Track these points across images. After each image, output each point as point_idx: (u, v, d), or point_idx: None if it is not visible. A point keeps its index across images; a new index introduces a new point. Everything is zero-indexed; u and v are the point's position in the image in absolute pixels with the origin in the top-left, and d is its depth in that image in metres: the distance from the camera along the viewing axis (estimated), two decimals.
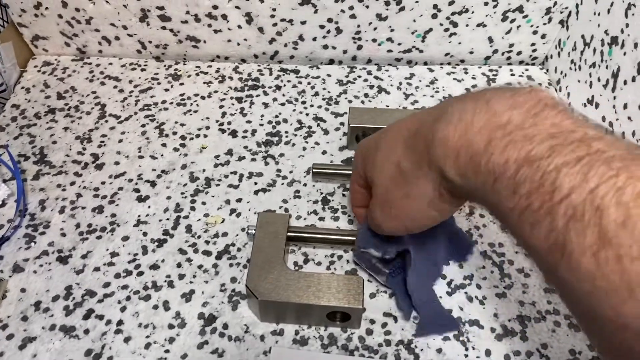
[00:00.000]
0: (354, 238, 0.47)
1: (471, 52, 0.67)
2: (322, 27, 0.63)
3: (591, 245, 0.24)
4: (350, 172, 0.52)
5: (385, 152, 0.39)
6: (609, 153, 0.25)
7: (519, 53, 0.67)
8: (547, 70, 0.67)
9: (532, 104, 0.29)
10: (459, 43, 0.65)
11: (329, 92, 0.64)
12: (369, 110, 0.56)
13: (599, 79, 0.54)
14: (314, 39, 0.64)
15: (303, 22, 0.62)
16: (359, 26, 0.63)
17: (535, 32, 0.65)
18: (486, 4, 0.61)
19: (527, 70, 0.67)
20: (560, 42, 0.64)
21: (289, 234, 0.47)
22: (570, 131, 0.27)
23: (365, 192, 0.45)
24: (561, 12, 0.62)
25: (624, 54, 0.50)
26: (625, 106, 0.49)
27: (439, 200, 0.36)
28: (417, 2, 0.60)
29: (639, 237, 0.22)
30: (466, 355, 0.43)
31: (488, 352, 0.43)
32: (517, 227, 0.28)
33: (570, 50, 0.61)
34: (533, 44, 0.66)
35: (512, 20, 0.63)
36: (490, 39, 0.65)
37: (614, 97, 0.51)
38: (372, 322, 0.45)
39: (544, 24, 0.64)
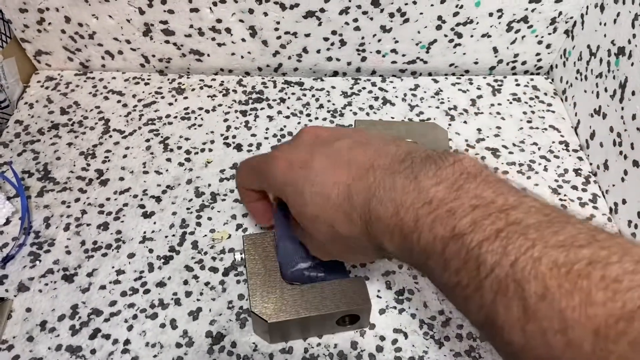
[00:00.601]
0: None
1: (476, 63, 0.66)
2: (326, 39, 0.63)
3: (518, 319, 0.24)
4: None
5: (315, 209, 0.36)
6: (526, 222, 0.26)
7: (523, 63, 0.67)
8: (553, 79, 0.67)
9: (456, 176, 0.30)
10: (464, 54, 0.65)
11: (333, 104, 0.64)
12: (375, 122, 0.56)
13: (605, 90, 0.54)
14: (318, 51, 0.64)
15: (307, 35, 0.62)
16: (363, 38, 0.63)
17: (540, 42, 0.64)
18: (491, 14, 0.61)
19: (532, 80, 0.67)
20: (565, 52, 0.63)
21: None
22: (490, 202, 0.28)
23: (262, 200, 0.46)
24: (566, 22, 0.62)
25: (632, 64, 0.50)
26: (633, 117, 0.49)
27: (379, 254, 0.37)
28: (421, 13, 0.60)
29: (557, 311, 0.23)
30: None
31: None
32: (454, 302, 0.29)
33: (576, 60, 0.61)
34: (538, 54, 0.66)
35: (517, 31, 0.63)
36: (495, 49, 0.65)
37: (622, 108, 0.51)
38: (382, 338, 0.44)
39: (549, 33, 0.63)
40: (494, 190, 0.28)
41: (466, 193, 0.29)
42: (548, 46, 0.65)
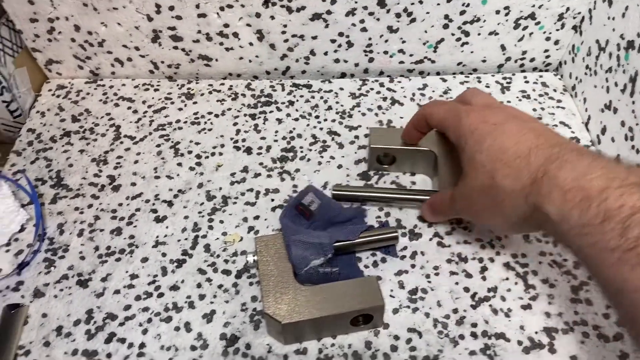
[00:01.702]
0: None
1: (484, 61, 0.66)
2: (333, 41, 0.63)
3: None
4: (371, 193, 0.53)
5: (487, 157, 0.40)
6: None
7: (532, 60, 0.66)
8: (562, 76, 0.67)
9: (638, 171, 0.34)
10: (471, 52, 0.65)
11: (342, 105, 0.64)
12: (390, 130, 0.56)
13: (616, 84, 0.54)
14: (325, 54, 0.64)
15: (314, 37, 0.62)
16: (370, 39, 0.63)
17: (548, 39, 0.64)
18: (498, 12, 0.61)
19: (541, 76, 0.67)
20: (574, 48, 0.63)
21: None
22: None
23: (427, 127, 0.50)
24: (574, 18, 0.62)
25: None
26: None
27: (519, 226, 0.41)
28: (428, 13, 0.60)
29: None
30: None
31: None
32: (613, 268, 0.31)
33: (585, 56, 0.60)
34: (546, 50, 0.65)
35: (525, 28, 0.63)
36: (503, 47, 0.65)
37: (633, 102, 0.51)
38: (397, 338, 0.44)
39: (557, 30, 0.63)
40: None
41: None
42: (556, 42, 0.65)
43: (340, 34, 0.62)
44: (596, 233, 0.32)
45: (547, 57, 0.66)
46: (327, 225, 0.50)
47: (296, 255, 0.45)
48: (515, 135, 0.40)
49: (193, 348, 0.44)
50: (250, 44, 0.63)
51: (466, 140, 0.43)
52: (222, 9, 0.59)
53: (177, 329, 0.45)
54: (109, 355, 0.44)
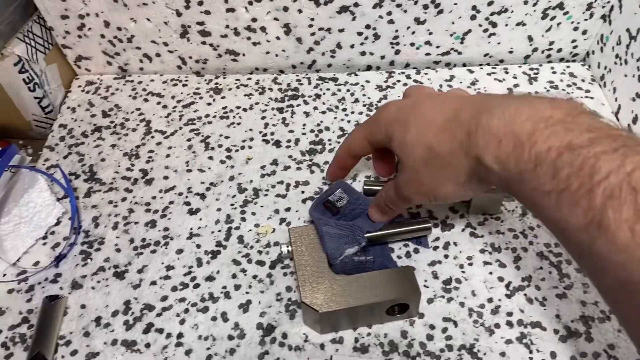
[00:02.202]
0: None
1: (510, 52, 0.66)
2: (360, 34, 0.63)
3: (627, 220, 0.27)
4: None
5: (416, 134, 0.41)
6: None
7: (559, 50, 0.66)
8: (589, 66, 0.66)
9: (571, 107, 0.33)
10: (498, 43, 0.65)
11: (369, 98, 0.64)
12: None
13: None
14: (352, 46, 0.64)
15: (341, 30, 0.63)
16: (397, 31, 0.63)
17: (576, 29, 0.64)
18: (526, 2, 0.60)
19: (568, 67, 0.66)
20: (602, 38, 0.63)
21: None
22: (606, 128, 0.31)
23: (367, 148, 0.48)
24: (603, 7, 0.61)
25: None
26: None
27: (467, 186, 0.40)
28: (455, 4, 0.60)
29: None
30: (531, 358, 0.42)
31: (553, 354, 0.42)
32: (552, 210, 0.32)
33: (615, 45, 0.60)
34: (574, 41, 0.65)
35: (552, 18, 0.62)
36: (530, 38, 0.64)
37: None
38: (432, 327, 0.44)
39: (585, 19, 0.63)
40: (607, 124, 0.32)
41: (581, 120, 0.32)
42: (584, 32, 0.64)
43: (367, 27, 0.62)
44: (532, 178, 0.32)
45: (575, 47, 0.66)
46: (354, 218, 0.50)
47: (330, 245, 0.46)
48: (437, 105, 0.41)
49: (230, 337, 0.44)
50: (277, 38, 0.63)
51: (391, 132, 0.43)
52: (250, 3, 0.59)
53: (214, 319, 0.45)
54: (147, 345, 0.44)
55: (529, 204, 0.35)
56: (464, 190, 0.41)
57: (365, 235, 0.47)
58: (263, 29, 0.62)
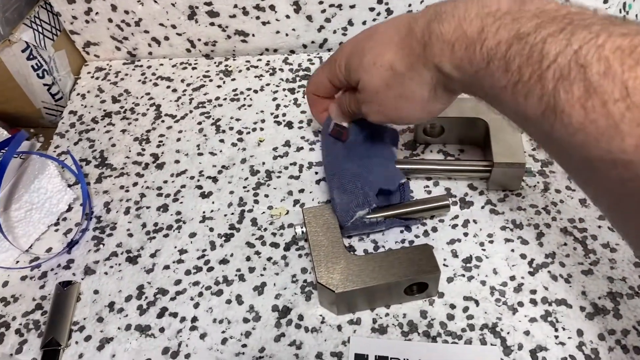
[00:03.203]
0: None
1: None
2: (372, 9, 0.61)
3: (579, 98, 0.27)
4: (417, 166, 0.51)
5: (373, 56, 0.40)
6: (589, 21, 0.28)
7: None
8: None
9: None
10: None
11: None
12: None
13: None
14: (364, 23, 0.63)
15: (352, 6, 0.61)
16: (410, 5, 0.61)
17: None
18: None
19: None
20: (625, 5, 0.60)
21: None
22: (554, 10, 0.30)
23: (332, 89, 0.48)
24: None
25: None
26: None
27: (433, 99, 0.39)
28: None
29: (620, 82, 0.25)
30: (557, 337, 0.41)
31: (580, 332, 0.41)
32: (512, 104, 0.31)
33: (639, 12, 0.57)
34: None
35: None
36: None
37: None
38: (453, 306, 0.43)
39: None
40: (556, 4, 0.31)
41: (530, 5, 0.31)
42: (605, 1, 0.62)
43: (379, 1, 0.60)
44: (487, 76, 0.32)
45: None
46: (365, 149, 0.49)
47: (341, 207, 0.45)
48: (391, 27, 0.40)
49: (245, 320, 0.43)
50: (287, 16, 0.62)
51: (349, 65, 0.43)
52: None
53: (228, 301, 0.45)
54: (162, 329, 0.43)
55: (492, 102, 0.34)
56: (430, 105, 0.40)
57: (380, 213, 0.45)
58: (272, 7, 0.61)
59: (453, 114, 0.51)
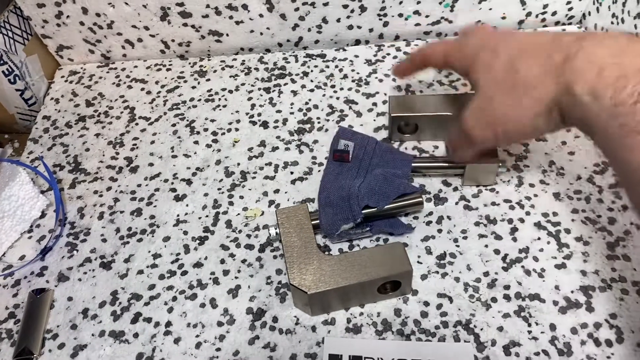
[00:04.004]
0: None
1: (503, 18, 0.64)
2: (345, 6, 0.61)
3: None
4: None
5: (505, 59, 0.39)
6: None
7: (554, 13, 0.64)
8: (586, 28, 0.64)
9: None
10: (490, 9, 0.62)
11: (358, 73, 0.62)
12: (410, 97, 0.54)
13: None
14: (338, 20, 0.62)
15: (325, 4, 0.60)
16: (383, 2, 0.61)
17: None
18: None
19: (564, 30, 0.64)
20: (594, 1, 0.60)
21: (313, 222, 0.45)
22: None
23: (436, 62, 0.48)
24: None
25: None
26: None
27: (545, 116, 0.37)
28: None
29: None
30: (530, 332, 0.41)
31: (553, 327, 0.41)
32: (638, 148, 0.30)
33: (611, 4, 0.57)
34: (569, 2, 0.62)
35: None
36: (523, 2, 0.62)
37: None
38: (427, 304, 0.43)
39: None
40: None
41: None
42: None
43: None
44: (628, 114, 0.31)
45: (570, 9, 0.63)
46: (371, 164, 0.50)
47: (326, 222, 0.45)
48: (531, 35, 0.40)
49: (220, 324, 0.43)
50: (261, 15, 0.61)
51: (476, 56, 0.42)
52: None
53: (202, 305, 0.44)
54: (135, 334, 0.43)
55: (610, 142, 0.33)
56: (540, 121, 0.38)
57: (362, 211, 0.46)
58: (245, 6, 0.60)
59: (427, 111, 0.51)
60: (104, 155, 0.56)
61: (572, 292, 0.43)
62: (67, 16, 0.61)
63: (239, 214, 0.50)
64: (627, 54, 0.32)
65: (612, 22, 0.57)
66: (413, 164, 0.50)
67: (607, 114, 0.32)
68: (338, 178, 0.49)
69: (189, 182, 0.53)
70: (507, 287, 0.43)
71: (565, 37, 0.36)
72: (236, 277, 0.46)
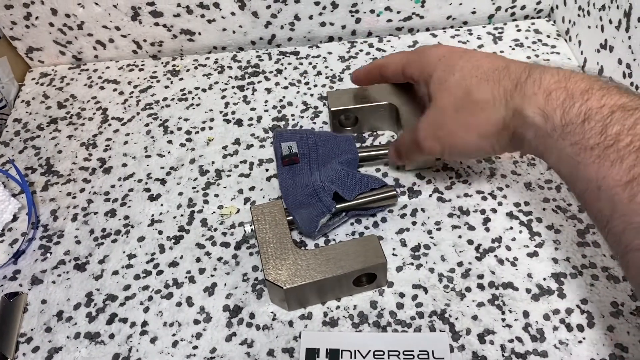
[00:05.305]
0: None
1: (473, 12, 0.64)
2: (317, 3, 0.61)
3: None
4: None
5: (460, 76, 0.41)
6: None
7: (522, 7, 0.65)
8: (554, 21, 0.65)
9: (608, 82, 0.35)
10: (460, 4, 0.63)
11: (331, 69, 0.62)
12: (348, 91, 0.55)
13: (610, 21, 0.52)
14: (311, 17, 0.63)
15: (297, 1, 0.61)
16: None
17: None
18: None
19: (533, 24, 0.65)
20: None
21: (289, 217, 0.46)
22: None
23: (394, 76, 0.48)
24: None
25: None
26: None
27: (490, 139, 0.39)
28: None
29: None
30: (503, 319, 0.41)
31: (526, 314, 0.41)
32: (590, 165, 0.32)
33: None
34: None
35: None
36: None
37: (629, 37, 0.49)
38: (402, 295, 0.43)
39: None
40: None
41: (637, 92, 0.33)
42: None
43: None
44: (577, 132, 0.33)
45: (538, 3, 0.64)
46: (319, 155, 0.50)
47: (303, 223, 0.45)
48: (487, 56, 0.41)
49: (196, 322, 0.43)
50: (232, 13, 0.61)
51: (434, 67, 0.43)
52: None
53: (178, 304, 0.44)
54: (111, 335, 0.43)
55: (564, 159, 0.34)
56: (485, 143, 0.40)
57: (336, 205, 0.46)
58: (216, 5, 0.60)
59: (365, 102, 0.52)
60: (76, 157, 0.56)
61: (544, 279, 0.43)
62: (36, 17, 0.60)
63: (214, 212, 0.50)
64: (570, 80, 0.34)
65: (578, 15, 0.58)
66: (360, 154, 0.51)
67: (558, 134, 0.34)
68: (295, 179, 0.49)
69: (163, 181, 0.53)
70: (480, 277, 0.44)
71: (515, 66, 0.38)
72: (212, 275, 0.46)
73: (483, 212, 0.48)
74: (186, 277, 0.46)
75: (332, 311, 0.43)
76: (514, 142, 0.39)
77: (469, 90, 0.39)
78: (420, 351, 0.40)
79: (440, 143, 0.43)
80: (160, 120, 0.58)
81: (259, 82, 0.62)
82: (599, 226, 0.34)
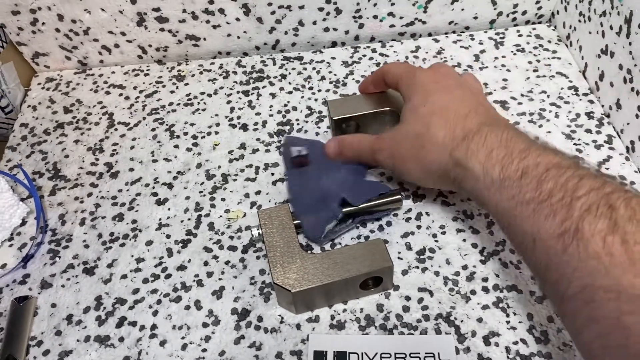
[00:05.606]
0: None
1: (475, 18, 0.65)
2: (321, 9, 0.62)
3: (600, 231, 0.30)
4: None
5: (427, 111, 0.43)
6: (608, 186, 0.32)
7: (524, 13, 0.65)
8: (555, 26, 0.66)
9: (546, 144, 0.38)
10: (462, 9, 0.64)
11: (335, 74, 0.63)
12: (348, 99, 0.55)
13: (611, 27, 0.53)
14: (314, 23, 0.63)
15: (301, 7, 0.61)
16: (358, 4, 0.62)
17: None
18: None
19: (534, 29, 0.66)
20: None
21: (295, 221, 0.46)
22: (592, 169, 0.35)
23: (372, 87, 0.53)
24: None
25: None
26: None
27: (433, 178, 0.44)
28: None
29: None
30: (508, 322, 0.42)
31: (530, 316, 0.42)
32: (527, 219, 0.34)
33: (578, 3, 0.59)
34: (538, 2, 0.64)
35: None
36: (494, 2, 0.64)
37: (630, 44, 0.50)
38: (408, 298, 0.44)
39: None
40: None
41: (561, 153, 0.36)
42: None
43: (328, 1, 0.61)
44: (515, 187, 0.35)
45: (539, 8, 0.65)
46: (328, 162, 0.51)
47: (309, 228, 0.46)
48: (460, 99, 0.43)
49: (205, 325, 0.44)
50: (237, 19, 0.62)
51: (415, 92, 0.45)
52: None
53: (187, 307, 0.45)
54: (121, 339, 0.43)
55: (502, 211, 0.37)
56: (428, 179, 0.45)
57: (343, 209, 0.47)
58: (221, 10, 0.61)
59: (365, 110, 0.53)
60: (83, 162, 0.56)
61: None
62: (43, 23, 0.61)
63: (221, 216, 0.51)
64: (512, 141, 0.38)
65: (579, 20, 0.59)
66: None
67: (496, 188, 0.37)
68: (304, 185, 0.50)
69: (170, 186, 0.53)
70: (485, 280, 0.44)
71: (474, 117, 0.41)
72: (220, 279, 0.46)
73: (487, 215, 0.48)
74: (194, 280, 0.46)
75: (339, 314, 0.43)
76: (456, 187, 0.42)
77: (429, 125, 0.42)
78: (426, 353, 0.40)
79: (392, 161, 0.46)
80: (167, 125, 0.59)
81: (263, 87, 0.62)
82: (536, 277, 0.37)
